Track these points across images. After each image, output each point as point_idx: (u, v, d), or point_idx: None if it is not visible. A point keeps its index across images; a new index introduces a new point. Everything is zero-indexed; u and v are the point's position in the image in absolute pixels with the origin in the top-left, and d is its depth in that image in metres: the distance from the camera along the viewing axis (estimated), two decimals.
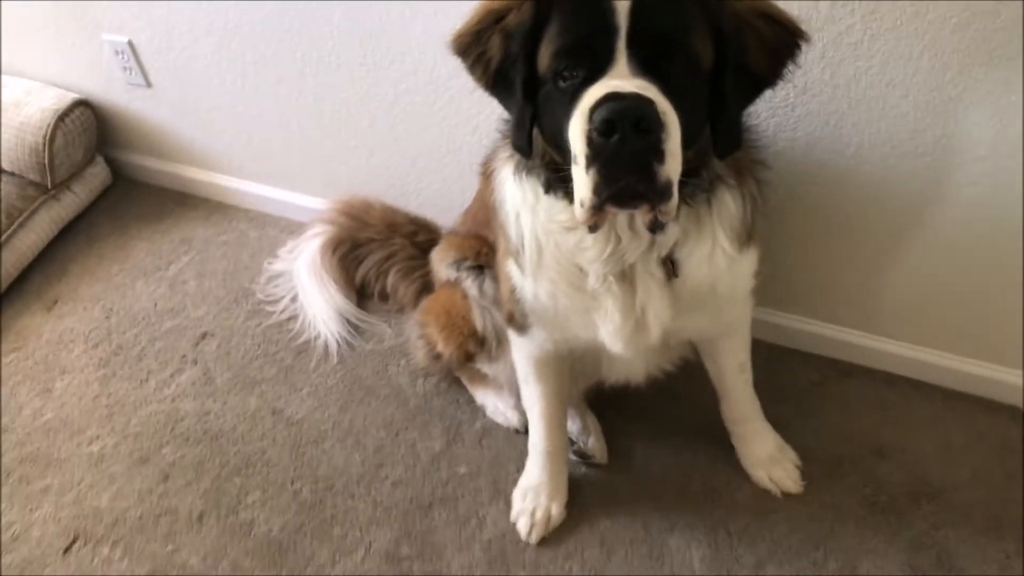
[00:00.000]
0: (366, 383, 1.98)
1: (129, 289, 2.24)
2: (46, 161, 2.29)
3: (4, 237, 2.24)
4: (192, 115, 2.28)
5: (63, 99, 2.34)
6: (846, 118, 1.56)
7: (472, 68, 1.19)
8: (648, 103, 1.02)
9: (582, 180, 1.08)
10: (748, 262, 1.38)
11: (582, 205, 1.10)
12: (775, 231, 1.76)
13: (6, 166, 2.33)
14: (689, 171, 1.14)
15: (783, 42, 1.15)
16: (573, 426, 1.79)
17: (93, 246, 2.38)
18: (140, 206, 2.49)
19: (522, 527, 1.68)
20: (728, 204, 1.28)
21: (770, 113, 1.60)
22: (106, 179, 2.52)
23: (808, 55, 1.48)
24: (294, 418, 1.92)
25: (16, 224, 2.27)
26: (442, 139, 1.98)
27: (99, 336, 2.13)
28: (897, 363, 1.87)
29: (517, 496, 1.71)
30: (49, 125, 2.28)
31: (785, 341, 1.95)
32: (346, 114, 2.05)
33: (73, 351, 2.10)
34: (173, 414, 1.95)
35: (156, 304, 2.20)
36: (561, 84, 1.10)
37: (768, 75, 1.16)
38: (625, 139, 1.02)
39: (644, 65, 1.06)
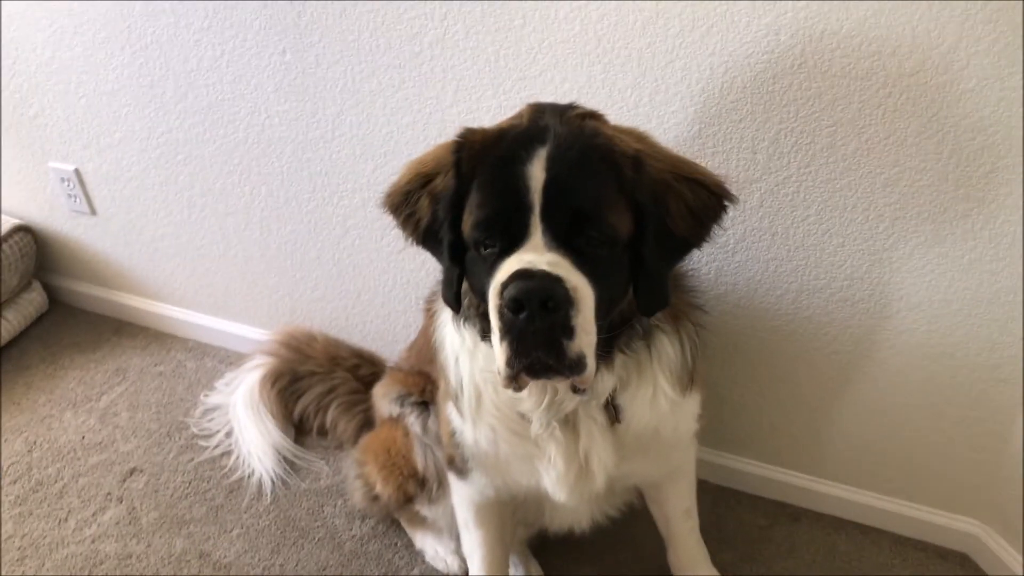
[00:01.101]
0: (300, 524, 1.89)
1: (56, 420, 2.15)
2: None
3: None
4: (136, 243, 2.25)
5: (5, 224, 2.30)
6: (784, 264, 1.59)
7: (403, 226, 1.22)
8: (557, 281, 1.04)
9: (498, 349, 1.09)
10: (691, 405, 1.37)
11: (499, 373, 1.10)
12: (720, 374, 1.76)
13: None
14: (622, 322, 1.16)
15: (707, 205, 1.16)
16: (516, 572, 1.72)
17: (21, 375, 2.28)
18: (75, 334, 2.42)
19: None
20: (667, 349, 1.28)
21: (711, 258, 1.63)
22: (42, 305, 2.46)
23: (747, 203, 1.53)
24: (222, 561, 1.81)
25: None
26: (388, 274, 1.98)
27: (18, 471, 2.02)
28: (846, 508, 1.85)
29: None
30: None
31: (733, 483, 1.92)
32: (292, 246, 2.05)
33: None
34: (92, 556, 1.83)
35: (84, 437, 2.10)
36: (482, 251, 1.12)
37: (693, 238, 1.17)
38: (533, 317, 1.04)
39: (558, 239, 1.07)
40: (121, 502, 1.95)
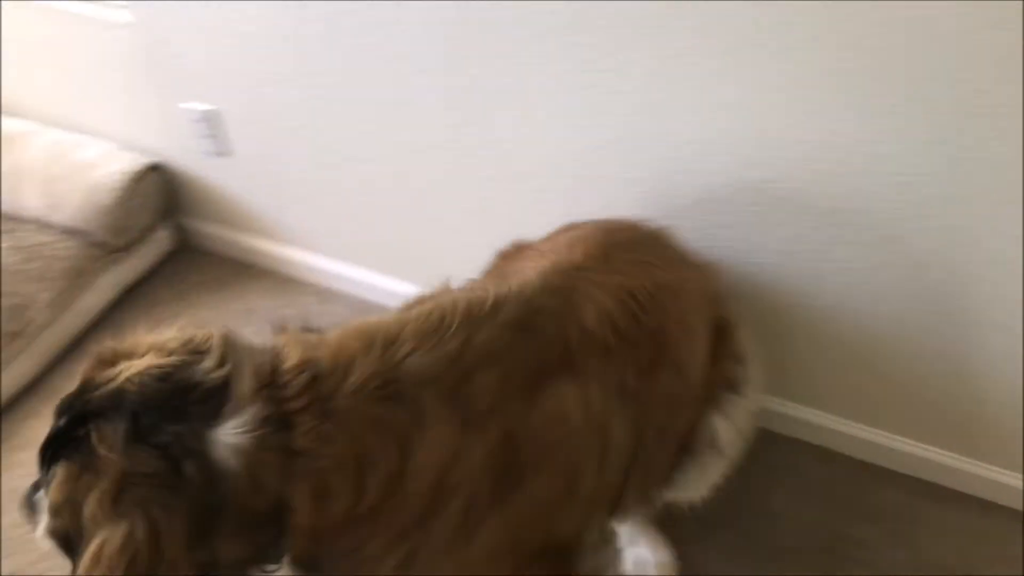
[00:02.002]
0: None
1: None
2: (115, 223, 2.27)
3: (67, 297, 2.20)
4: (268, 186, 2.25)
5: (137, 163, 2.32)
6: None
7: None
8: None
9: None
10: None
11: None
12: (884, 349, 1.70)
13: (74, 224, 2.30)
14: None
15: None
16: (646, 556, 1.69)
17: (153, 311, 2.33)
18: (202, 274, 2.44)
19: None
20: None
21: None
22: (170, 244, 2.49)
23: None
24: None
25: (79, 284, 2.24)
26: (524, 230, 1.94)
27: None
28: (998, 491, 1.78)
29: None
30: (122, 187, 2.27)
31: (879, 460, 1.86)
32: (429, 196, 2.02)
33: None
34: None
35: None
36: None
37: None
38: None
39: None
40: None
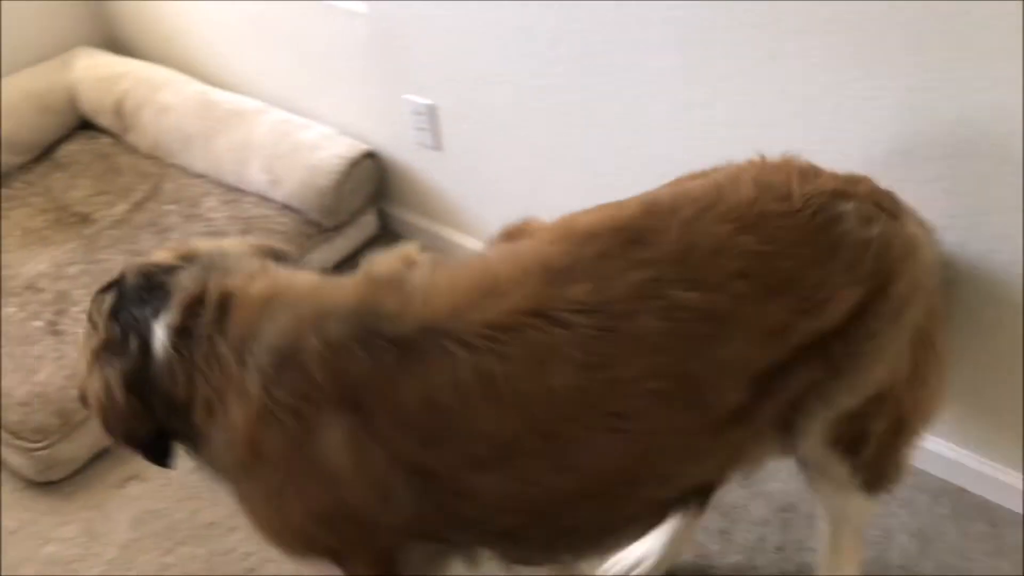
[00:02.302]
0: None
1: None
2: (329, 205, 2.38)
3: None
4: (474, 183, 2.30)
5: (355, 148, 2.43)
6: None
7: None
8: None
9: None
10: None
11: None
12: None
13: (291, 202, 2.44)
14: None
15: None
16: None
17: None
18: None
19: None
20: None
21: None
22: (374, 229, 2.59)
23: None
24: None
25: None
26: None
27: None
28: None
29: None
30: (340, 171, 2.38)
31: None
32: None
33: None
34: None
35: None
36: None
37: None
38: None
39: None
40: None
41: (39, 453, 1.91)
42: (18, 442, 1.91)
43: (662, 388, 1.08)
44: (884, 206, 1.20)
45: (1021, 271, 1.51)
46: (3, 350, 2.02)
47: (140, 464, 1.96)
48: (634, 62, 1.79)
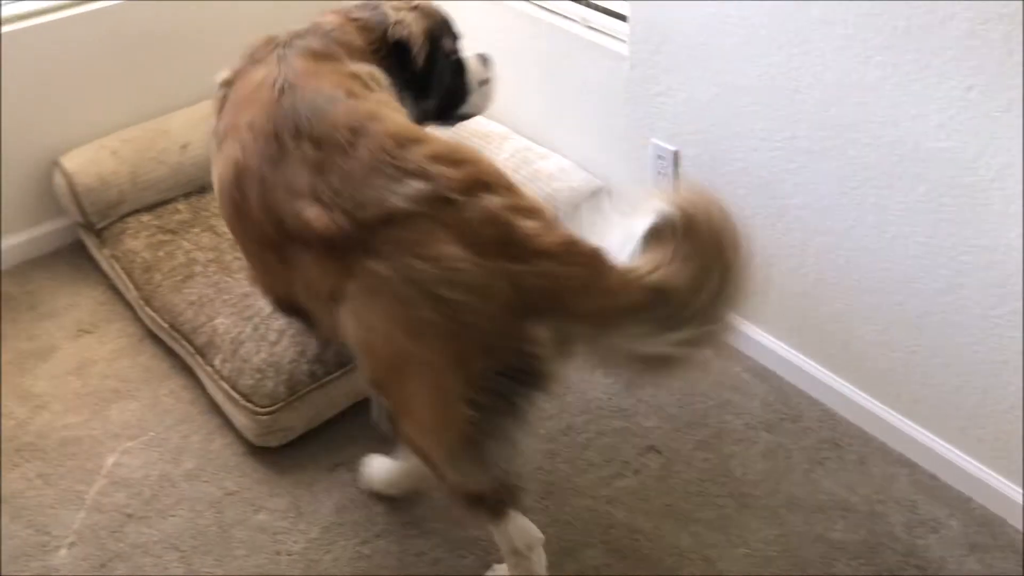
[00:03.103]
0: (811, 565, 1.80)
1: (587, 374, 2.28)
2: None
3: None
4: None
5: (589, 183, 2.48)
6: None
7: None
8: None
9: None
10: None
11: None
12: None
13: None
14: None
15: None
16: None
17: None
18: None
19: None
20: None
21: None
22: None
23: None
24: (727, 572, 1.80)
25: None
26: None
27: (551, 411, 2.18)
28: None
29: None
30: (571, 204, 2.42)
31: None
32: (881, 284, 1.92)
33: None
34: (604, 517, 1.92)
35: (610, 398, 2.21)
36: None
37: None
38: None
39: None
40: (636, 474, 2.02)
41: (263, 418, 2.04)
42: (247, 404, 2.05)
43: None
44: None
45: None
46: (248, 321, 2.18)
47: (350, 452, 2.08)
48: (906, 136, 1.73)
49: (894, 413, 2.02)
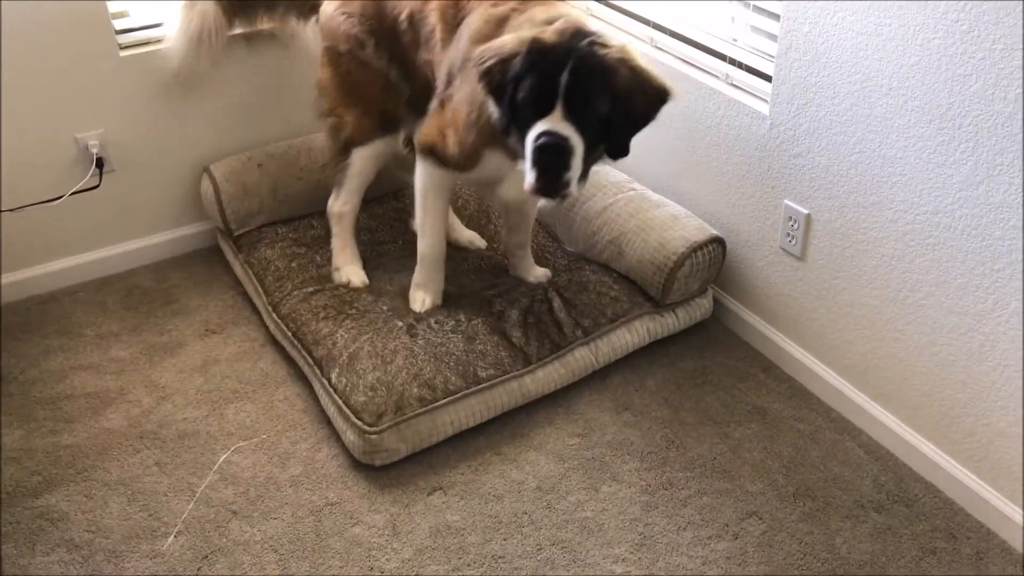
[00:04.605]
0: None
1: (693, 430, 2.25)
2: (666, 283, 2.41)
3: (604, 330, 2.40)
4: (830, 300, 2.24)
5: (704, 232, 2.45)
6: None
7: (485, 77, 1.93)
8: (565, 140, 1.83)
9: (527, 172, 1.88)
10: None
11: (527, 185, 1.90)
12: None
13: (631, 275, 2.51)
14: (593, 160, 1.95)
15: (653, 101, 1.92)
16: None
17: (672, 370, 2.44)
18: (724, 355, 2.51)
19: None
20: None
21: None
22: (705, 314, 2.59)
23: None
24: None
25: (620, 322, 2.43)
26: None
27: (654, 462, 2.16)
28: None
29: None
30: (682, 254, 2.40)
31: None
32: (1011, 373, 1.84)
33: (628, 462, 2.15)
34: None
35: (715, 459, 2.17)
36: (523, 112, 1.88)
37: (643, 119, 1.94)
38: (551, 158, 1.84)
39: (569, 114, 1.83)
40: (736, 539, 1.97)
41: (370, 436, 2.09)
42: (357, 421, 2.11)
43: None
44: None
45: None
46: (366, 337, 2.25)
47: (449, 478, 2.10)
48: None
49: (1020, 511, 1.92)
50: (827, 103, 2.06)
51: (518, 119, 1.89)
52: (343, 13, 2.36)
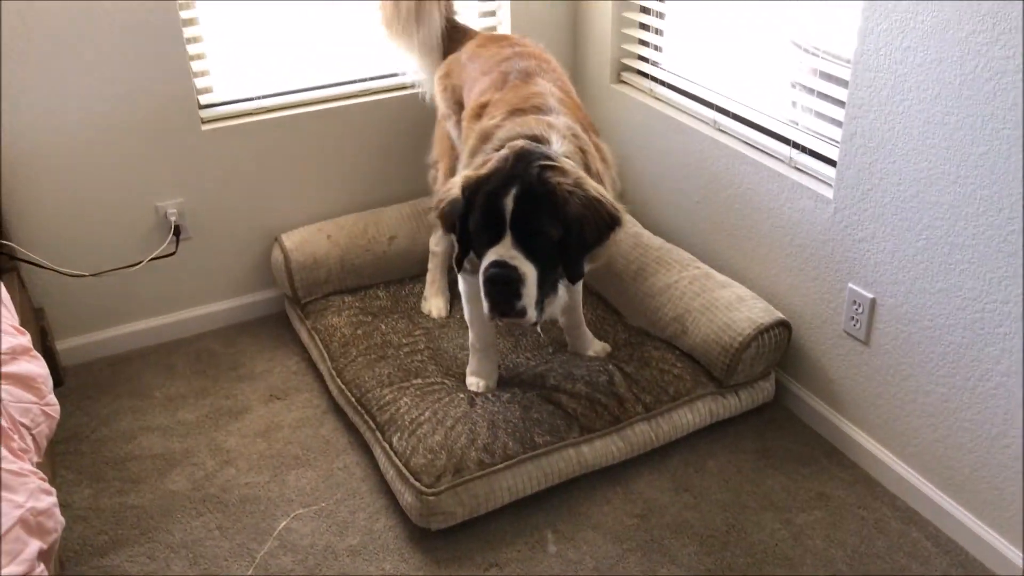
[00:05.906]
0: None
1: (754, 515, 2.21)
2: (731, 364, 2.40)
3: (666, 408, 2.39)
4: (895, 386, 2.21)
5: (769, 315, 2.44)
6: None
7: (440, 220, 2.09)
8: (514, 269, 1.90)
9: (484, 301, 1.97)
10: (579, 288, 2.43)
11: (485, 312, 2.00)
12: None
13: (694, 353, 2.50)
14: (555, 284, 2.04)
15: (605, 226, 1.98)
16: None
17: (733, 452, 2.41)
18: (787, 439, 2.47)
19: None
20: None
21: None
22: (767, 397, 2.57)
23: None
24: None
25: (682, 400, 2.42)
26: None
27: (714, 546, 2.12)
28: None
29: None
30: (747, 335, 2.40)
31: None
32: None
33: (687, 545, 2.12)
34: None
35: (776, 544, 2.12)
36: (475, 242, 1.99)
37: (595, 242, 2.00)
38: (500, 288, 1.92)
39: (518, 242, 1.91)
40: None
41: (428, 498, 2.10)
42: (415, 483, 2.12)
43: None
44: None
45: None
46: (427, 404, 2.29)
47: (505, 555, 2.09)
48: None
49: None
50: (892, 189, 2.07)
51: (476, 248, 1.99)
52: (442, 83, 2.61)
